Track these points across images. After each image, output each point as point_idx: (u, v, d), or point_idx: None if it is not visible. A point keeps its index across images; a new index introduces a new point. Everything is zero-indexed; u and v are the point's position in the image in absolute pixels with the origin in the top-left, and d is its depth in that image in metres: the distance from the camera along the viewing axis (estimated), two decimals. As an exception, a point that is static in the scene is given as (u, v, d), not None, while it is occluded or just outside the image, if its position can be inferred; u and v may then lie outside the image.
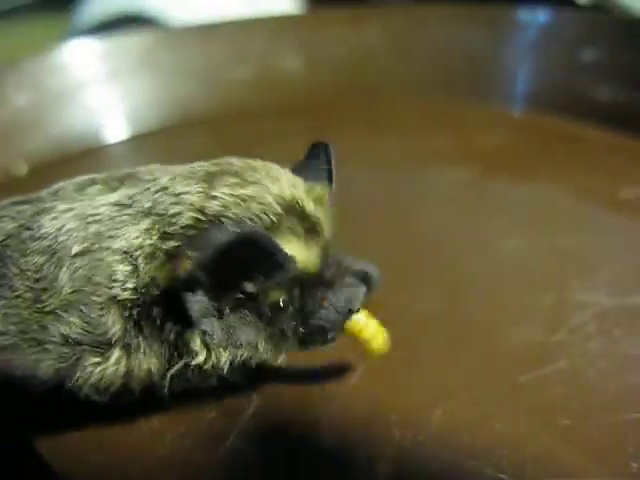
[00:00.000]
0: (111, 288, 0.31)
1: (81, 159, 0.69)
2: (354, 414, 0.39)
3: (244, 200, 0.32)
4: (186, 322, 0.31)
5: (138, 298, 0.32)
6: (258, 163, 0.35)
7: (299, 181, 0.35)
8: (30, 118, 0.69)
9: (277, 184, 0.33)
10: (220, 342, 0.32)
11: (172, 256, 0.31)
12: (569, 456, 0.36)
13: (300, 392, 0.40)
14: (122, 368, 0.33)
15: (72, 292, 0.32)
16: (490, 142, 0.67)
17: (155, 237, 0.32)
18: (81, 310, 0.32)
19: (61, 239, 0.32)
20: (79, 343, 0.32)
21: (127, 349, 0.33)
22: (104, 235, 0.32)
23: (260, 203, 0.32)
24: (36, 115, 0.70)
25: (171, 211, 0.32)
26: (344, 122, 0.71)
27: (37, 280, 0.32)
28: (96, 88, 0.73)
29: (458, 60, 0.75)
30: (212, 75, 0.76)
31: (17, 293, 0.32)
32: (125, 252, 0.32)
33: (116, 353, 0.32)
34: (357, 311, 0.35)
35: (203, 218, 0.31)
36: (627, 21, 0.76)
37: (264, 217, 0.31)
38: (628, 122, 0.65)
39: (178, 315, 0.31)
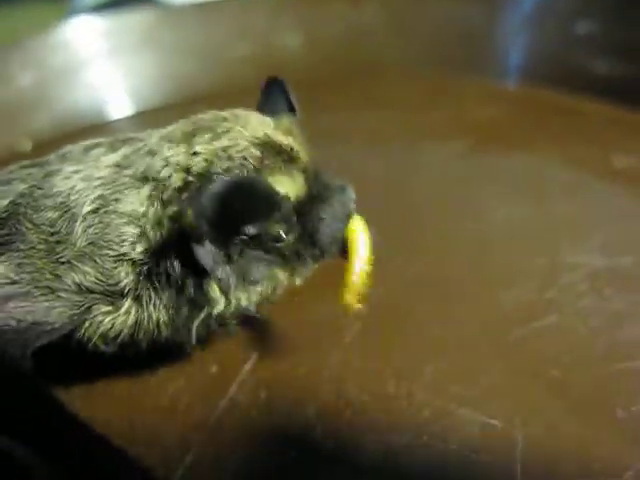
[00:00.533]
0: (122, 247, 0.33)
1: (84, 135, 0.68)
2: (350, 369, 0.40)
3: (224, 150, 0.33)
4: (201, 274, 0.33)
5: (149, 257, 0.33)
6: (226, 113, 0.36)
7: (267, 119, 0.36)
8: (34, 96, 0.70)
9: (248, 127, 0.34)
10: (237, 285, 0.34)
11: (175, 220, 0.32)
12: (558, 405, 0.37)
13: (297, 348, 0.41)
14: (132, 318, 0.34)
15: (87, 245, 0.33)
16: (485, 115, 0.67)
17: (157, 205, 0.33)
18: (95, 261, 0.33)
19: (73, 197, 0.34)
20: (92, 292, 0.33)
21: (138, 300, 0.34)
22: (109, 198, 0.33)
23: (239, 150, 0.33)
24: (40, 93, 0.70)
25: (162, 174, 0.33)
26: (343, 98, 0.72)
27: (52, 234, 0.33)
28: (99, 65, 0.73)
29: (455, 35, 0.75)
30: (213, 52, 0.77)
31: (31, 245, 0.33)
32: (131, 216, 0.33)
33: (127, 303, 0.34)
34: (353, 212, 0.36)
35: (191, 177, 0.32)
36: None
37: (246, 162, 0.33)
38: (624, 95, 0.65)
39: (193, 270, 0.33)
